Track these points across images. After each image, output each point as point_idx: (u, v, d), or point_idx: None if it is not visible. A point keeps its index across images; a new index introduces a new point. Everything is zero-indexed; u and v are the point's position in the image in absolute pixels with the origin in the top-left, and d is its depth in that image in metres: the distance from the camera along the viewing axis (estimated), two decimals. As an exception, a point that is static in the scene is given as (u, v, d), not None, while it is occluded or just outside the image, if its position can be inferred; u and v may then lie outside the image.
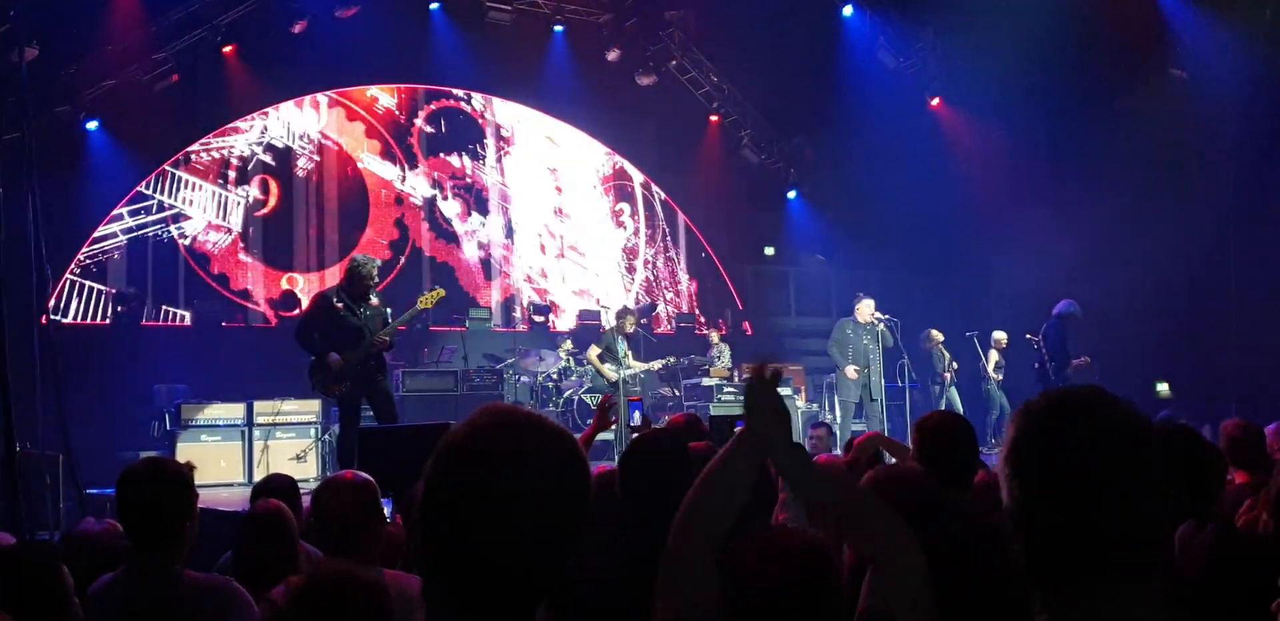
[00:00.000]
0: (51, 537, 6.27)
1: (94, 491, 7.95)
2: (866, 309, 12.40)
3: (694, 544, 1.89)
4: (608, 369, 11.90)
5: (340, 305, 8.83)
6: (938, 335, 14.00)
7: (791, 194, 17.75)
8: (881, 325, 12.35)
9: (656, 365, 12.76)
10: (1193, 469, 3.17)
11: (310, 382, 8.98)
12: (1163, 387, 13.83)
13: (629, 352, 12.08)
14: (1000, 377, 14.02)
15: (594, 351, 12.16)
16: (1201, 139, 12.98)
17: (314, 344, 8.85)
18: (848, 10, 15.81)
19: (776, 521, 3.67)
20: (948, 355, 13.97)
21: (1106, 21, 13.31)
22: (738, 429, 2.05)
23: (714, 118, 17.29)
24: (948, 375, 13.84)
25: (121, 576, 3.16)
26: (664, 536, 1.94)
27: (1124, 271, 13.35)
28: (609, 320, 13.03)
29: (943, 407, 12.79)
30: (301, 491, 4.55)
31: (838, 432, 11.15)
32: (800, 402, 13.71)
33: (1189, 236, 13.08)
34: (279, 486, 4.33)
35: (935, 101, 16.06)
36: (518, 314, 15.49)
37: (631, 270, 17.23)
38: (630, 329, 12.11)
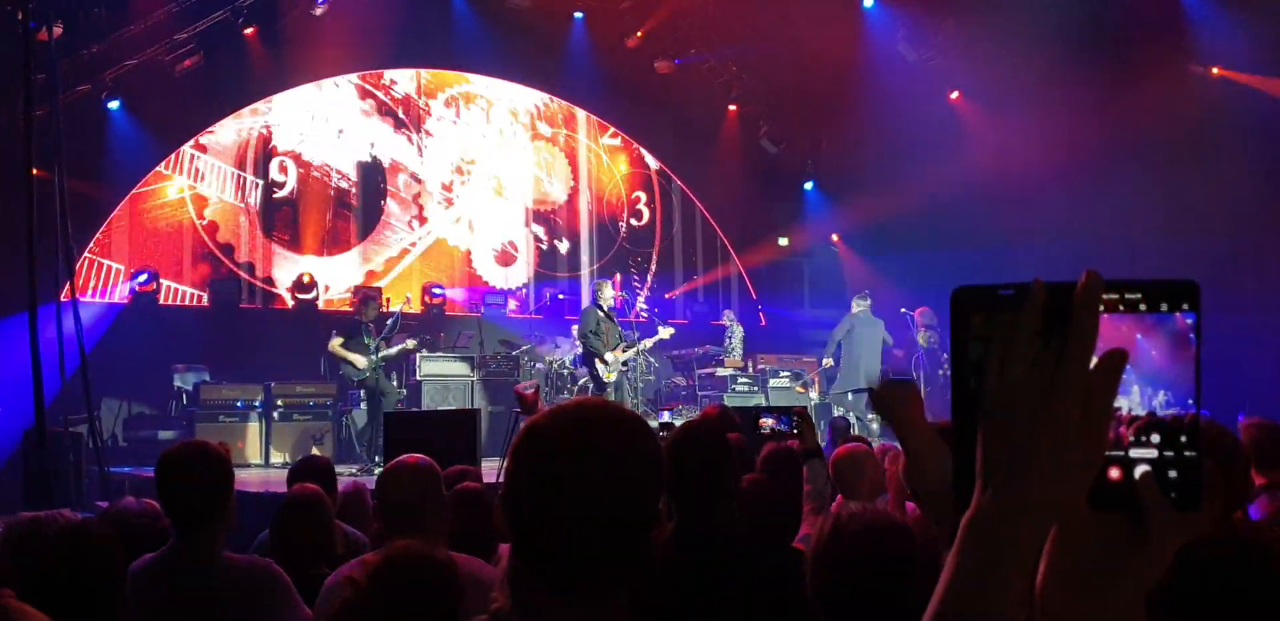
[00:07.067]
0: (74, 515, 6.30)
1: (115, 470, 8.03)
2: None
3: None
4: (356, 358, 10.52)
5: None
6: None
7: (809, 185, 17.72)
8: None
9: (394, 351, 10.91)
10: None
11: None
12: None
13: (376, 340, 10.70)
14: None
15: (336, 341, 10.66)
16: (1221, 135, 12.93)
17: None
18: (868, 1, 15.76)
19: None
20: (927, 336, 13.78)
21: (1128, 16, 13.27)
22: None
23: (732, 107, 17.25)
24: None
25: (164, 557, 3.18)
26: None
27: (1138, 266, 13.33)
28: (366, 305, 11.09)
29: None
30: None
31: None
32: (814, 394, 13.71)
33: (1205, 232, 13.06)
34: (317, 467, 4.37)
35: (955, 95, 16.00)
36: (533, 299, 15.51)
37: (645, 258, 17.23)
38: (373, 314, 10.81)
